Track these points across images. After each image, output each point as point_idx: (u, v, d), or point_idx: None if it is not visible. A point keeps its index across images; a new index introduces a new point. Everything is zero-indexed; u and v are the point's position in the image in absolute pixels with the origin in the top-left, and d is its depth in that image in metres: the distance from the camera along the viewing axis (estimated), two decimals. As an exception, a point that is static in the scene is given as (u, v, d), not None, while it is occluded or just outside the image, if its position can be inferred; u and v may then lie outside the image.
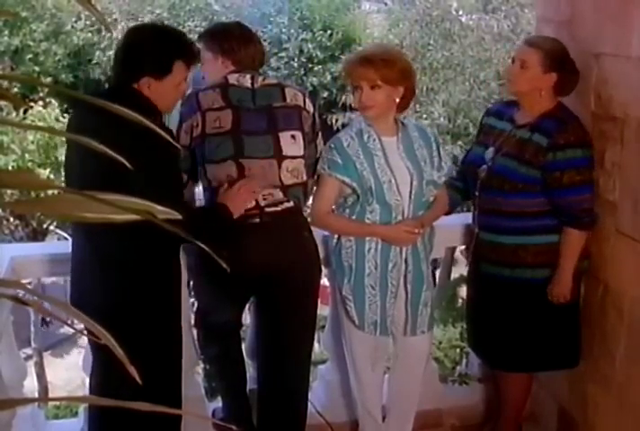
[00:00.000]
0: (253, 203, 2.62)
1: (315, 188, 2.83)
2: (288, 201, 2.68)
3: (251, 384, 2.99)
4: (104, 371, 2.38)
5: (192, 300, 3.11)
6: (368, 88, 2.65)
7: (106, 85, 14.82)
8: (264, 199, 2.64)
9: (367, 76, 2.65)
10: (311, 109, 2.79)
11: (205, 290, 2.85)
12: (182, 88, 2.46)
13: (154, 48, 2.36)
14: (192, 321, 3.00)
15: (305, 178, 2.73)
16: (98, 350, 2.40)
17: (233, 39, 2.76)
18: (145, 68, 2.33)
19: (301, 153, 2.71)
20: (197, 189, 2.80)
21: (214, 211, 2.54)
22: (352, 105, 3.04)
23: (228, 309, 2.85)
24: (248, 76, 2.71)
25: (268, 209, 2.65)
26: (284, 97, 2.73)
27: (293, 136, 2.69)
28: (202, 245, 0.87)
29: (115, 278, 2.36)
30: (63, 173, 2.55)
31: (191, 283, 2.93)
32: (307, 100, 2.79)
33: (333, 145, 2.74)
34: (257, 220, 2.64)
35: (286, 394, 2.87)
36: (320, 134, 2.85)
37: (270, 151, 2.66)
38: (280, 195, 2.67)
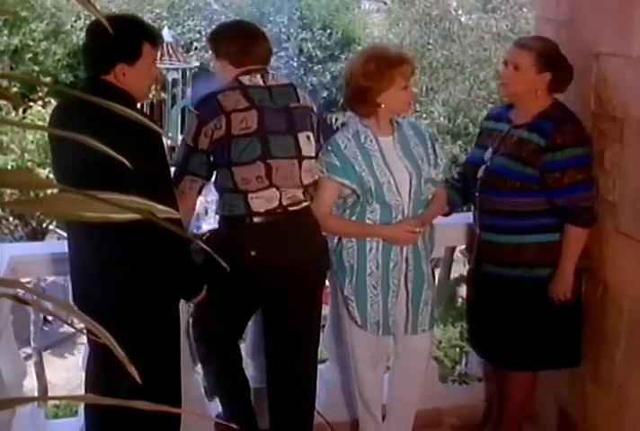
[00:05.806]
0: (277, 203, 2.63)
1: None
2: (305, 200, 2.70)
3: (252, 384, 2.98)
4: (103, 370, 2.38)
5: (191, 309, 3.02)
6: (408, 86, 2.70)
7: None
8: (288, 199, 2.65)
9: (407, 75, 2.68)
10: (315, 109, 2.82)
11: (219, 300, 2.79)
12: (154, 71, 2.50)
13: (119, 34, 2.37)
14: (191, 332, 2.94)
15: (315, 177, 2.74)
16: (97, 350, 2.39)
17: (237, 42, 2.70)
18: (116, 55, 2.35)
19: (314, 153, 2.73)
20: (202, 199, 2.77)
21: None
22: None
23: (236, 318, 2.85)
24: (258, 76, 2.69)
25: (291, 208, 2.66)
26: (298, 97, 2.74)
27: (308, 137, 2.71)
28: (203, 245, 0.87)
29: (116, 278, 2.36)
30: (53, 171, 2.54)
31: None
32: (311, 100, 2.82)
33: (330, 148, 2.73)
34: (282, 218, 2.65)
35: (298, 394, 2.87)
36: (321, 134, 2.86)
37: (292, 151, 2.66)
38: (300, 195, 2.68)
